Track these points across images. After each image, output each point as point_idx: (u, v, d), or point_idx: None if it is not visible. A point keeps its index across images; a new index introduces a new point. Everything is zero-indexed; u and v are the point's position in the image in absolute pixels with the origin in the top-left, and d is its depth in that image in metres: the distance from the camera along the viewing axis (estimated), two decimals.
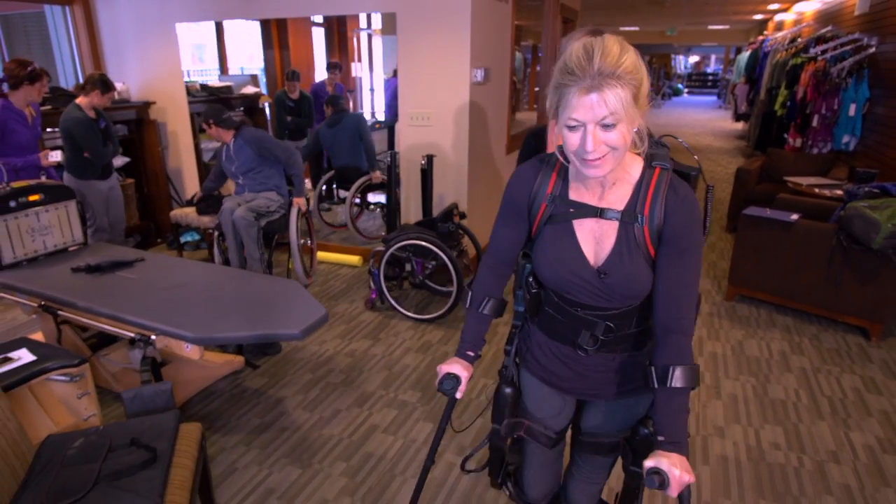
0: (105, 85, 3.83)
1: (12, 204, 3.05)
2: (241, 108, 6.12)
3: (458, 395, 1.46)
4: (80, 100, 3.83)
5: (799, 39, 8.45)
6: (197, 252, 5.08)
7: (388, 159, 5.43)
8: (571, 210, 1.30)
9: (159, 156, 5.14)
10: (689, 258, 1.24)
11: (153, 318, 2.49)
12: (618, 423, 1.48)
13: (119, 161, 4.78)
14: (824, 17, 8.08)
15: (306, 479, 2.36)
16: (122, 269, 3.03)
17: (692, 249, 1.24)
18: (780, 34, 9.93)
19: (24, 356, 2.18)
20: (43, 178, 3.75)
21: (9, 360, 2.15)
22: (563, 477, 1.73)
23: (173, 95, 5.06)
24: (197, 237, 5.17)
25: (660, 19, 14.72)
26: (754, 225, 3.90)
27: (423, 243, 3.61)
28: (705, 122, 15.44)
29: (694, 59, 29.09)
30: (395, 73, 6.43)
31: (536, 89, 9.59)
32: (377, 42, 8.56)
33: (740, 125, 13.22)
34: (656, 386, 1.25)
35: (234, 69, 7.02)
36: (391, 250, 3.73)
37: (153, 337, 2.48)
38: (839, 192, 4.53)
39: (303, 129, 6.11)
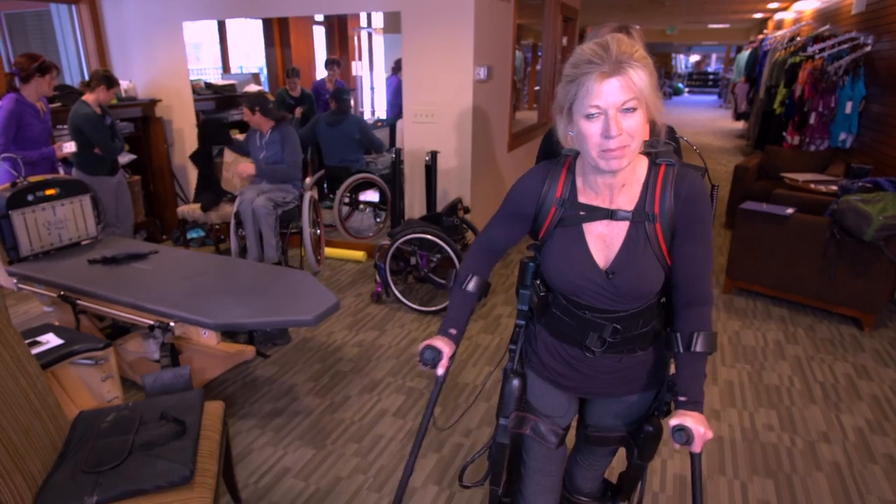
0: (109, 80, 3.98)
1: (30, 198, 3.19)
2: None
3: (440, 371, 1.46)
4: (86, 96, 3.97)
5: (798, 38, 8.62)
6: (202, 248, 5.22)
7: (393, 156, 5.61)
8: (582, 213, 1.32)
9: (165, 153, 5.28)
10: (704, 237, 1.29)
11: (171, 305, 2.63)
12: (622, 419, 1.52)
13: (125, 158, 4.91)
14: (823, 15, 8.24)
15: (320, 459, 2.51)
16: (137, 261, 3.18)
17: (705, 233, 1.29)
18: (779, 33, 10.10)
19: (51, 340, 2.32)
20: (60, 171, 3.91)
21: (38, 343, 2.29)
22: (568, 464, 1.76)
23: (179, 93, 5.20)
24: (202, 234, 5.31)
25: (660, 18, 14.90)
26: (751, 219, 4.05)
27: (429, 237, 3.75)
28: (706, 121, 15.62)
29: (695, 58, 29.26)
30: (394, 70, 6.60)
31: (537, 88, 9.73)
32: (378, 40, 8.71)
33: (741, 124, 13.38)
34: (681, 351, 1.34)
35: (233, 68, 7.16)
36: (397, 244, 3.87)
37: (172, 324, 2.62)
38: (834, 187, 4.68)
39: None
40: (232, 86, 6.10)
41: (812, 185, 4.87)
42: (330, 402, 2.92)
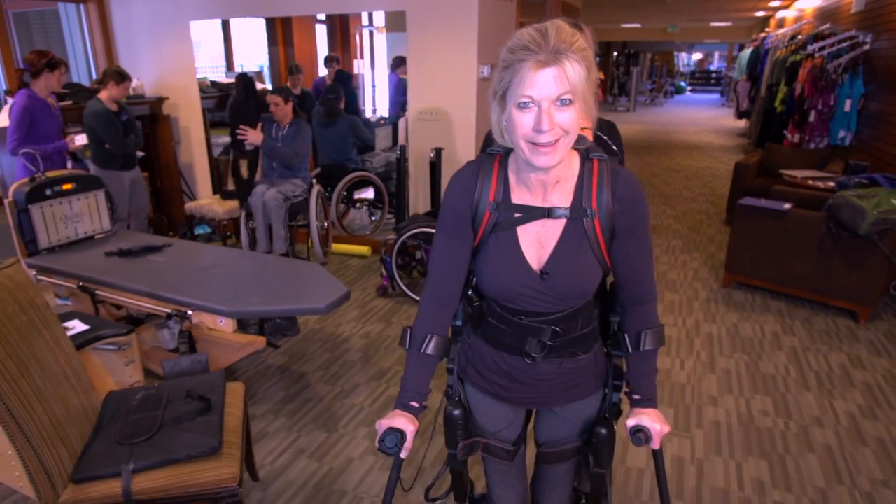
0: (118, 75, 4.15)
1: (48, 192, 3.33)
2: None
3: (403, 455, 1.32)
4: (101, 94, 4.14)
5: (799, 36, 8.78)
6: (209, 244, 5.36)
7: (389, 154, 5.75)
8: (518, 215, 1.27)
9: (172, 150, 5.42)
10: (643, 239, 1.30)
11: (188, 295, 2.78)
12: (571, 428, 1.48)
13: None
14: (824, 14, 8.39)
15: (333, 441, 2.65)
16: (152, 254, 3.32)
17: (645, 230, 1.29)
18: (781, 31, 10.25)
19: (77, 325, 2.47)
20: (70, 165, 4.07)
21: (65, 328, 2.43)
22: (531, 491, 1.72)
23: (186, 91, 5.34)
24: (209, 230, 5.45)
25: (661, 16, 15.05)
26: (749, 214, 4.19)
27: (433, 231, 3.90)
28: (708, 119, 15.77)
29: (697, 56, 29.43)
30: (392, 67, 6.75)
31: None
32: (379, 39, 8.85)
33: (743, 123, 13.53)
34: (630, 351, 1.37)
35: (235, 67, 7.30)
36: (403, 238, 4.02)
37: (189, 312, 2.76)
38: (832, 183, 4.83)
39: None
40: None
41: (810, 182, 5.02)
42: (340, 390, 3.06)
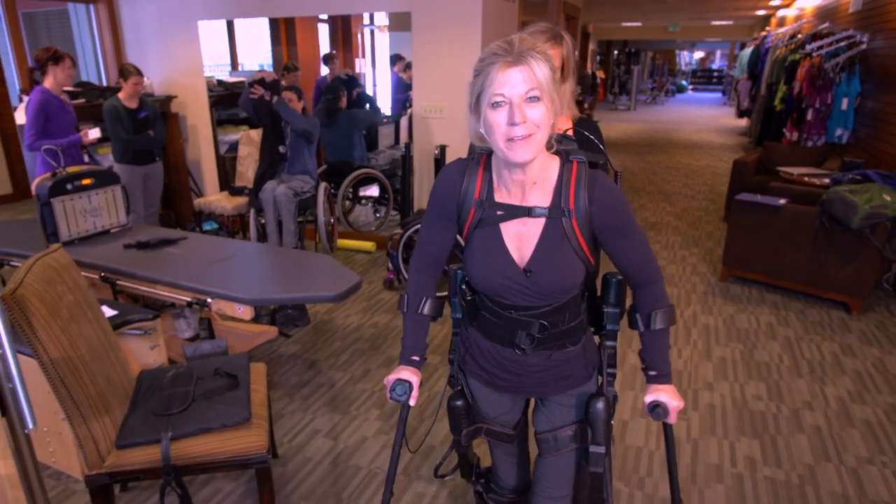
0: (120, 71, 4.39)
1: (69, 187, 3.51)
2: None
3: (412, 402, 1.51)
4: (120, 91, 4.41)
5: (799, 35, 8.98)
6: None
7: (394, 151, 5.95)
8: (500, 213, 1.37)
9: (180, 148, 5.60)
10: (633, 233, 1.40)
11: (207, 284, 2.95)
12: (567, 413, 1.55)
13: None
14: (823, 13, 8.59)
15: (346, 422, 2.83)
16: (169, 246, 3.49)
17: (631, 225, 1.39)
18: (781, 30, 10.45)
19: (107, 310, 2.64)
20: (86, 158, 4.28)
21: None
22: (531, 496, 1.73)
23: (194, 90, 5.52)
24: (216, 226, 5.63)
25: (662, 15, 15.25)
26: (746, 209, 4.38)
27: None
28: (709, 118, 15.98)
29: (699, 54, 29.64)
30: (391, 65, 6.95)
31: None
32: (380, 38, 9.04)
33: (744, 121, 13.73)
34: (642, 330, 1.49)
35: (222, 69, 7.47)
36: (409, 232, 4.20)
37: (209, 300, 2.94)
38: (827, 180, 5.01)
39: None
40: (242, 83, 6.42)
41: (806, 179, 5.21)
42: (351, 375, 3.24)
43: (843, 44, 6.60)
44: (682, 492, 2.42)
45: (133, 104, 4.42)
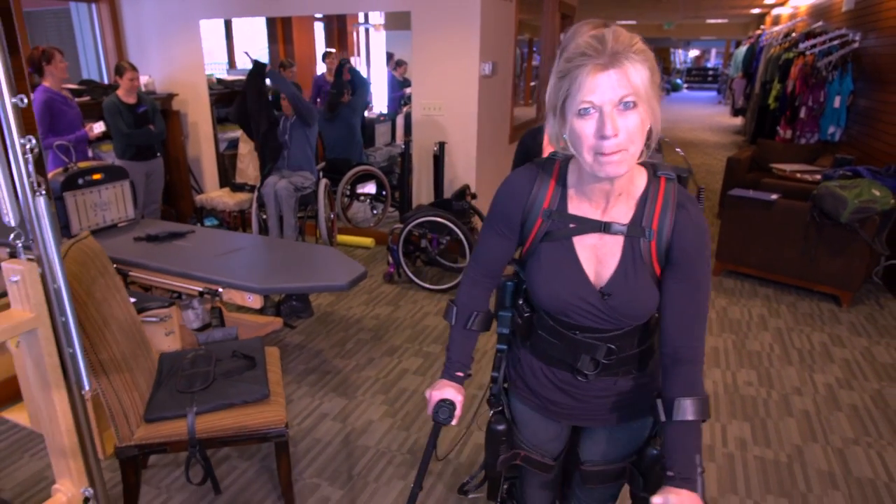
0: (116, 69, 4.60)
1: (80, 181, 3.66)
2: None
3: (454, 422, 1.43)
4: (118, 89, 4.57)
5: (793, 34, 9.19)
6: None
7: (392, 149, 6.12)
8: (572, 226, 1.25)
9: (181, 145, 5.74)
10: (700, 283, 1.22)
11: (218, 274, 3.11)
12: (621, 449, 1.45)
13: None
14: (817, 12, 8.81)
15: (353, 406, 2.99)
16: (177, 239, 3.64)
17: (703, 273, 1.22)
18: (775, 29, 10.68)
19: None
20: (90, 154, 4.45)
21: None
22: None
23: (195, 88, 5.67)
24: (216, 222, 5.78)
25: (657, 13, 15.49)
26: (739, 205, 4.57)
27: (439, 219, 4.25)
28: (704, 117, 16.22)
29: (694, 53, 29.93)
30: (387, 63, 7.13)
31: (533, 84, 10.23)
32: (375, 36, 9.21)
33: (739, 120, 13.97)
34: (663, 419, 1.24)
35: (220, 67, 7.61)
36: (409, 227, 4.36)
37: (220, 290, 3.09)
38: (818, 176, 5.21)
39: None
40: (241, 81, 6.57)
41: (798, 175, 5.40)
42: (356, 364, 3.40)
43: (835, 42, 6.80)
44: None
45: (131, 100, 4.58)
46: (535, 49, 9.97)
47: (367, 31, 9.27)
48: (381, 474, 2.52)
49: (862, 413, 3.01)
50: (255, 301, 3.14)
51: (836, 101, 6.49)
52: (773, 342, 3.73)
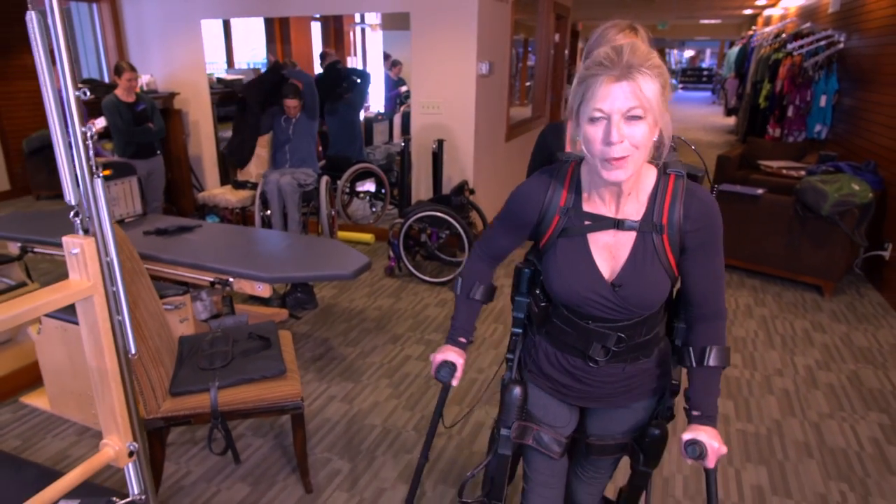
0: (115, 69, 4.83)
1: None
2: None
3: (454, 383, 1.58)
4: (116, 88, 4.79)
5: (783, 35, 9.44)
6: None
7: (390, 147, 6.32)
8: (587, 223, 1.35)
9: (183, 143, 5.93)
10: (717, 255, 1.37)
11: (228, 265, 3.30)
12: (625, 425, 1.57)
13: None
14: (806, 13, 9.07)
15: (359, 389, 3.18)
16: (186, 233, 3.83)
17: (718, 247, 1.36)
18: (766, 30, 10.94)
19: None
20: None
21: None
22: (568, 479, 1.79)
23: (196, 87, 5.86)
24: (218, 219, 5.96)
25: (650, 14, 15.74)
26: (727, 199, 4.78)
27: (439, 214, 4.45)
28: (698, 117, 16.49)
29: (689, 53, 30.25)
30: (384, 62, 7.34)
31: (528, 84, 10.44)
32: (372, 36, 9.42)
33: (732, 120, 14.23)
34: (693, 365, 1.41)
35: (220, 65, 7.81)
36: (410, 221, 4.56)
37: (231, 280, 3.28)
38: (803, 172, 5.43)
39: None
40: (240, 80, 6.77)
41: (784, 171, 5.63)
42: (360, 351, 3.59)
43: (822, 43, 7.04)
44: None
45: (130, 98, 4.79)
46: (530, 49, 10.19)
47: (363, 30, 9.48)
48: (388, 449, 2.72)
49: (838, 391, 3.23)
50: (264, 290, 3.33)
51: (823, 101, 6.73)
52: (758, 329, 3.95)
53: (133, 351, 1.59)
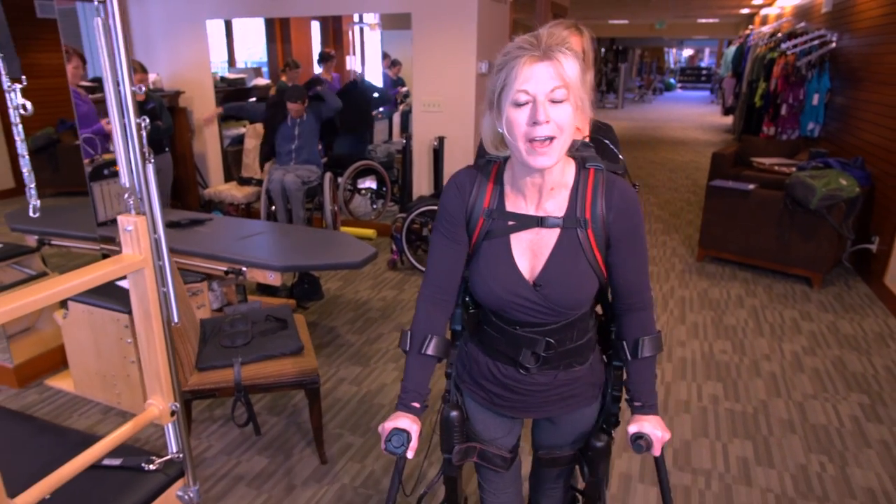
0: None
1: (105, 172, 4.05)
2: (255, 98, 7.15)
3: (410, 455, 1.39)
4: None
5: (779, 34, 9.70)
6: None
7: (390, 145, 6.55)
8: (511, 223, 1.34)
9: (188, 141, 6.14)
10: (640, 245, 1.37)
11: (241, 255, 3.51)
12: (567, 437, 1.57)
13: None
14: (801, 12, 9.32)
15: (367, 373, 3.40)
16: (198, 226, 4.04)
17: (641, 239, 1.37)
18: (763, 29, 11.19)
19: None
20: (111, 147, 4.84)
21: None
22: (530, 489, 1.85)
23: (201, 85, 6.07)
24: (221, 214, 6.17)
25: (648, 13, 16.00)
26: (719, 194, 5.02)
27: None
28: (696, 116, 16.76)
29: (688, 52, 30.55)
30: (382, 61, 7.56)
31: None
32: (370, 36, 9.62)
33: (729, 119, 14.49)
34: (629, 359, 1.44)
35: (222, 64, 8.01)
36: (412, 216, 4.78)
37: (244, 269, 3.49)
38: (794, 168, 5.67)
39: None
40: (242, 79, 6.99)
41: (776, 168, 5.87)
42: (367, 338, 3.81)
43: (815, 42, 7.29)
44: None
45: (140, 97, 4.99)
46: None
47: (361, 30, 9.69)
48: None
49: (822, 375, 3.45)
50: (275, 279, 3.54)
51: (815, 99, 6.97)
52: (748, 318, 4.18)
53: (176, 320, 1.81)
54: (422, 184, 5.58)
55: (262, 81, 7.48)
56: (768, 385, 3.34)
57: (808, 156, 6.44)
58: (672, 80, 26.97)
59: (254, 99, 7.22)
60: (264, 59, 8.42)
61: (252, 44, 8.45)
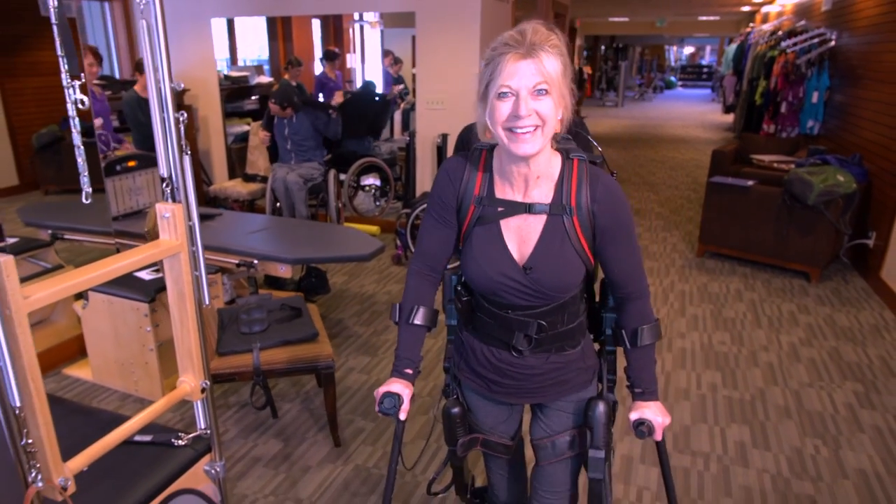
0: (137, 66, 5.20)
1: (118, 168, 4.20)
2: (257, 96, 7.31)
3: (403, 416, 1.50)
4: (136, 84, 5.14)
5: (779, 32, 9.87)
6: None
7: (393, 143, 6.71)
8: (500, 209, 1.42)
9: (193, 138, 6.29)
10: (630, 238, 1.44)
11: (252, 248, 3.66)
12: (566, 419, 1.61)
13: None
14: (801, 10, 9.50)
15: (376, 362, 3.56)
16: (207, 220, 4.19)
17: (630, 231, 1.44)
18: (763, 27, 11.37)
19: None
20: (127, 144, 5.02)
21: None
22: (530, 492, 1.78)
23: (206, 83, 6.22)
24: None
25: (649, 10, 16.17)
26: (719, 190, 5.18)
27: None
28: (697, 114, 16.94)
29: (689, 50, 30.75)
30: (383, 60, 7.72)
31: None
32: (371, 34, 9.78)
33: (730, 117, 14.66)
34: (629, 347, 1.52)
35: (221, 63, 8.16)
36: (416, 212, 4.94)
37: (255, 262, 3.65)
38: (793, 165, 5.84)
39: None
40: (245, 77, 7.15)
41: (775, 165, 6.03)
42: (374, 330, 3.97)
43: (815, 41, 7.46)
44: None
45: (146, 95, 5.16)
46: None
47: (361, 28, 9.85)
48: None
49: (818, 364, 3.61)
50: (286, 271, 3.69)
51: (815, 97, 7.15)
52: (747, 311, 4.34)
53: (207, 302, 1.96)
54: (425, 180, 5.74)
55: (265, 79, 7.64)
56: (765, 374, 3.50)
57: (807, 153, 6.63)
58: (673, 78, 27.15)
59: (257, 97, 7.41)
60: (266, 56, 8.60)
61: (254, 42, 8.62)
